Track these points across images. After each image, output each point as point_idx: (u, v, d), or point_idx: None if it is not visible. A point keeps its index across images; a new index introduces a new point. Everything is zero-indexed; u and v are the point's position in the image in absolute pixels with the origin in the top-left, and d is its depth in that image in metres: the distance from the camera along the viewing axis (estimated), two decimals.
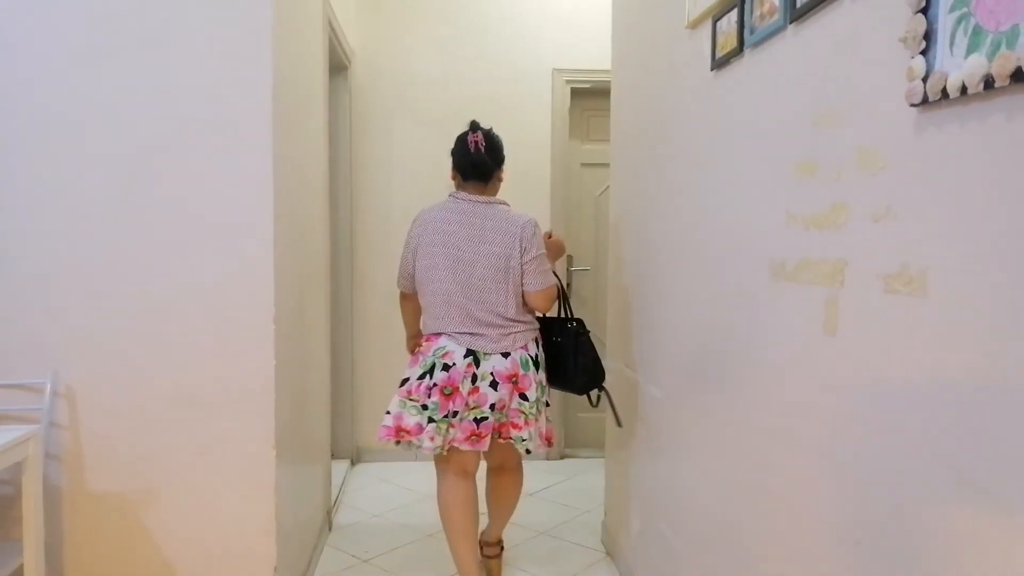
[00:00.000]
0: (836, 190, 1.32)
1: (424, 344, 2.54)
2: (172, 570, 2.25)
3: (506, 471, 2.74)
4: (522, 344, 2.51)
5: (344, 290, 4.12)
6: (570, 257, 4.40)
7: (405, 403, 2.49)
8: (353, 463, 4.24)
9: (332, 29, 3.30)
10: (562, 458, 4.40)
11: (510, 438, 2.50)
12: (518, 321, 2.52)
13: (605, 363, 2.72)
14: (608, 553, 3.05)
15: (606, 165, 3.34)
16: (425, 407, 2.44)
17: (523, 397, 2.49)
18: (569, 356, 2.61)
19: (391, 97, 4.22)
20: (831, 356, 1.33)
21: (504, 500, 2.77)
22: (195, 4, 2.16)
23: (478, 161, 2.56)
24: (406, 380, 2.53)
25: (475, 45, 4.23)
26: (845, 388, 1.29)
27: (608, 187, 3.32)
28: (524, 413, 2.48)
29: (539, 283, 2.51)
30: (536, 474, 4.04)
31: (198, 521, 2.25)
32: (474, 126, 2.61)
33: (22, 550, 1.99)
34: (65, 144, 2.17)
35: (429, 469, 4.08)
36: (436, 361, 2.47)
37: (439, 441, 2.43)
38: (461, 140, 2.61)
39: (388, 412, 2.52)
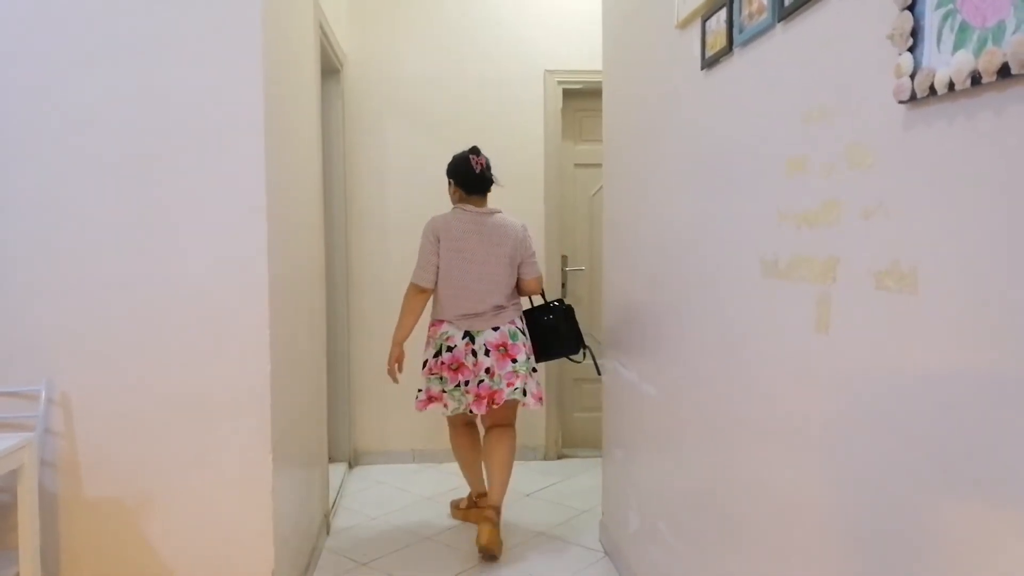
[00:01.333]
0: (827, 187, 1.32)
1: (431, 330, 3.17)
2: (169, 575, 2.25)
3: (497, 427, 3.20)
4: (510, 320, 3.13)
5: (340, 292, 4.12)
6: (564, 257, 4.41)
7: (429, 378, 3.15)
8: (351, 466, 4.23)
9: (324, 33, 3.29)
10: (559, 458, 4.40)
11: (504, 401, 3.06)
12: (508, 305, 3.14)
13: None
14: (607, 552, 3.06)
15: (599, 165, 3.34)
16: (442, 378, 3.11)
17: (514, 361, 3.09)
18: (561, 325, 3.23)
19: (384, 100, 4.22)
20: (824, 353, 1.34)
21: (500, 456, 3.16)
22: (184, 9, 2.16)
23: (484, 179, 3.18)
24: (426, 362, 3.15)
25: (467, 48, 4.23)
26: (838, 385, 1.29)
27: (601, 187, 3.32)
28: (516, 373, 3.08)
29: (535, 272, 3.23)
30: (533, 474, 4.05)
31: (195, 527, 2.25)
32: (476, 151, 3.19)
33: (18, 558, 1.98)
34: (58, 151, 2.16)
35: (427, 471, 4.13)
36: (442, 344, 3.10)
37: (454, 405, 3.13)
38: (465, 162, 3.16)
39: (420, 390, 3.17)
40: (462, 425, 3.32)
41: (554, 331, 3.23)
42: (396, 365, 3.21)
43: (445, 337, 3.09)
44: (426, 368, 3.15)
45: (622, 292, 2.86)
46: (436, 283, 3.11)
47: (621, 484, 2.88)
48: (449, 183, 3.26)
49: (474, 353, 3.07)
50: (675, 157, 2.20)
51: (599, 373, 3.25)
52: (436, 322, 3.15)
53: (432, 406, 3.16)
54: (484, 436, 3.26)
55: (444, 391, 3.11)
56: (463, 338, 3.07)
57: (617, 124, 2.97)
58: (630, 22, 2.74)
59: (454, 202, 3.23)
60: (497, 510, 3.09)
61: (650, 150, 2.48)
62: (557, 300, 3.33)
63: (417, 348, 3.40)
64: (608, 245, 3.12)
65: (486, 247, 3.08)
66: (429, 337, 3.18)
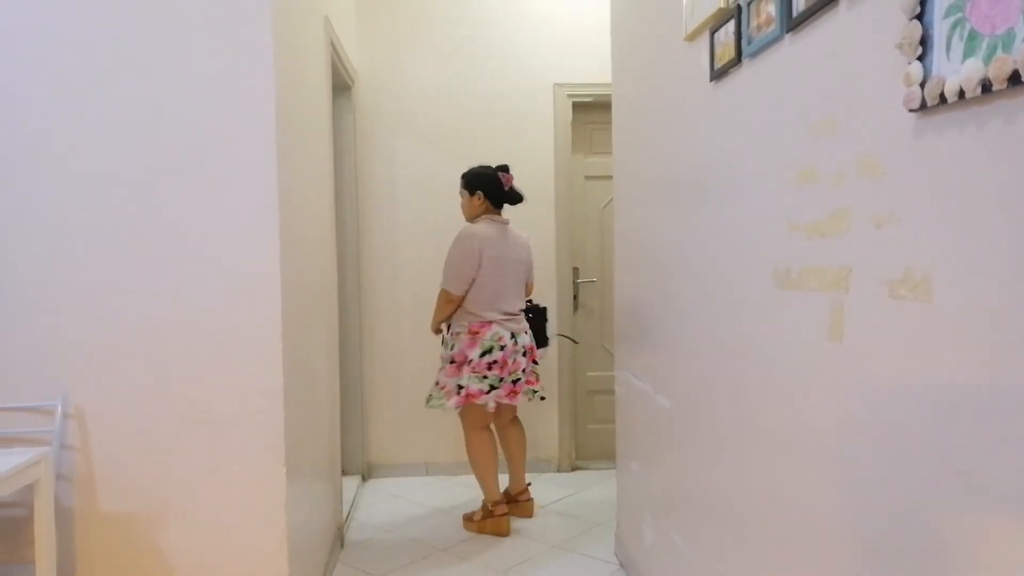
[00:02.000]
0: (837, 197, 1.32)
1: (480, 331, 3.33)
2: None
3: (509, 422, 3.60)
4: (527, 326, 3.51)
5: (352, 306, 4.13)
6: (576, 269, 4.41)
7: (472, 376, 3.32)
8: (364, 479, 4.23)
9: (334, 49, 3.33)
10: (573, 470, 4.39)
11: (522, 392, 3.45)
12: (523, 309, 3.52)
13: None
14: (622, 565, 3.04)
15: (610, 177, 3.35)
16: (485, 377, 3.31)
17: (534, 363, 3.51)
18: (539, 323, 3.64)
19: (394, 115, 4.25)
20: (838, 362, 1.33)
21: (518, 444, 3.61)
22: (196, 27, 2.19)
23: (512, 195, 3.49)
24: (469, 360, 3.32)
25: (476, 62, 4.26)
26: (853, 394, 1.29)
27: (612, 199, 3.33)
28: (536, 373, 3.53)
29: (533, 277, 3.65)
30: (548, 487, 4.04)
31: (209, 540, 2.25)
32: (505, 168, 3.49)
33: (35, 572, 1.99)
34: (71, 168, 2.19)
35: (440, 484, 4.12)
36: (493, 344, 3.32)
37: (494, 399, 3.35)
38: (495, 179, 3.45)
39: (460, 387, 3.32)
40: (483, 429, 3.45)
41: (535, 329, 3.62)
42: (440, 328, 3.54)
43: (496, 337, 3.32)
44: (470, 366, 3.31)
45: (633, 303, 2.86)
46: (468, 290, 3.34)
47: (636, 496, 2.87)
48: (476, 195, 3.44)
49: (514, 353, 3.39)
50: (685, 168, 2.20)
51: (575, 342, 4.22)
52: (484, 324, 3.33)
53: (470, 401, 3.33)
54: (500, 433, 3.59)
55: (491, 388, 3.31)
56: (511, 338, 3.36)
57: (627, 136, 2.98)
58: (639, 35, 2.76)
59: (476, 213, 3.45)
60: (527, 489, 3.61)
61: (659, 162, 2.48)
62: (528, 299, 3.67)
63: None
64: (619, 256, 3.12)
65: (511, 255, 3.41)
66: (475, 338, 3.32)
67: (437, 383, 3.40)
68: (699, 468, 2.11)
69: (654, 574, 2.58)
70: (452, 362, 3.35)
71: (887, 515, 1.19)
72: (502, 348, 3.33)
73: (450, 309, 3.39)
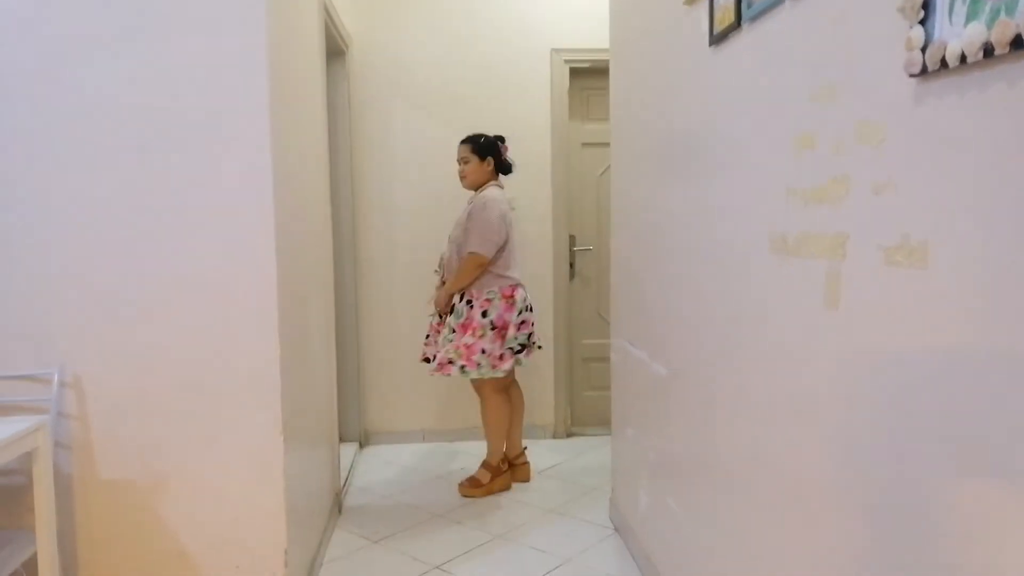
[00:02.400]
0: (836, 163, 1.32)
1: (512, 294, 3.41)
2: (184, 554, 2.28)
3: (509, 384, 3.67)
4: None
5: (348, 273, 4.13)
6: (572, 237, 4.41)
7: (514, 337, 3.42)
8: (361, 446, 4.27)
9: (328, 14, 3.27)
10: (568, 436, 4.43)
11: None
12: None
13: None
14: (616, 529, 3.08)
15: (607, 144, 3.33)
16: (515, 337, 3.42)
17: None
18: None
19: (390, 81, 4.20)
20: (833, 329, 1.34)
21: (516, 407, 3.68)
22: None
23: (508, 165, 3.60)
24: (514, 323, 3.40)
25: (473, 27, 4.20)
26: (848, 361, 1.30)
27: (609, 166, 3.32)
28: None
29: None
30: (544, 452, 4.07)
31: (208, 506, 2.27)
32: (502, 139, 3.58)
33: (36, 538, 2.01)
34: (65, 139, 2.16)
35: (437, 450, 4.16)
36: (523, 307, 3.44)
37: (524, 357, 3.52)
38: (497, 147, 3.54)
39: (511, 349, 3.41)
40: (503, 391, 3.58)
41: None
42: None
43: (523, 299, 3.46)
44: (512, 329, 3.40)
45: (630, 271, 2.86)
46: (496, 255, 3.40)
47: (631, 461, 2.90)
48: (487, 160, 3.49)
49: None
50: (682, 135, 2.19)
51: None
52: (514, 286, 3.43)
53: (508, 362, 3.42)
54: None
55: (522, 347, 3.45)
56: (528, 297, 3.51)
57: (624, 102, 2.96)
58: (637, 0, 2.72)
59: (485, 179, 3.49)
60: (524, 451, 3.72)
61: (657, 128, 2.46)
62: None
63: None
64: (616, 224, 3.12)
65: (514, 220, 3.50)
66: (510, 302, 3.40)
67: (483, 351, 3.31)
68: (695, 434, 2.13)
69: (649, 537, 2.62)
70: (493, 328, 3.35)
71: (881, 479, 1.20)
72: (530, 309, 3.49)
73: (477, 274, 3.38)
